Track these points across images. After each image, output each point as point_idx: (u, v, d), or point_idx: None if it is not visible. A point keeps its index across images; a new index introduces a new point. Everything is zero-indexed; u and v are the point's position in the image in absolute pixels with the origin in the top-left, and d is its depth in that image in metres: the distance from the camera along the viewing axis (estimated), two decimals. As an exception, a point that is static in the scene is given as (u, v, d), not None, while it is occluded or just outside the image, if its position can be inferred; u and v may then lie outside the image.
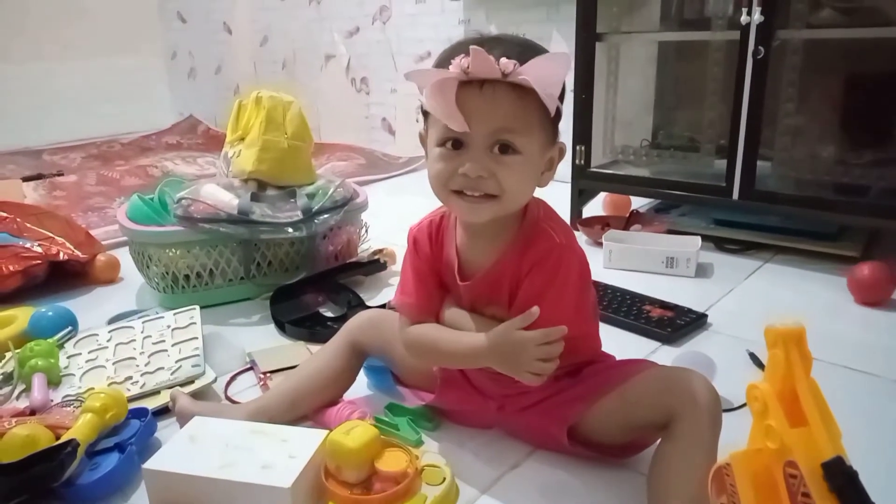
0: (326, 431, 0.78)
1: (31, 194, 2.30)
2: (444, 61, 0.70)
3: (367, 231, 1.57)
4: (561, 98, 0.72)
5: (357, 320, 0.97)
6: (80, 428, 0.82)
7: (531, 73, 0.65)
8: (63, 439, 0.80)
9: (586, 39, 1.67)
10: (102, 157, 3.05)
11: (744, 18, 1.40)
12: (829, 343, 1.09)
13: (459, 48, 0.69)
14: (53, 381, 1.03)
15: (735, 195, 1.51)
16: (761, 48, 1.40)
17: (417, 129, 0.80)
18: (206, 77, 3.72)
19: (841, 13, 1.49)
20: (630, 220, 1.71)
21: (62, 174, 2.63)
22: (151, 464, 0.76)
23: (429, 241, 0.84)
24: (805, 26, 1.50)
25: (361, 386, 1.00)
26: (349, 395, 0.96)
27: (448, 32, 2.53)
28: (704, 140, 1.77)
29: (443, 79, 0.67)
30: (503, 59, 0.66)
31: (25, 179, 2.48)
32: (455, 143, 0.72)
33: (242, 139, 1.45)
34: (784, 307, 1.29)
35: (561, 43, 2.16)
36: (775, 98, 1.56)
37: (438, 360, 0.86)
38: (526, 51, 0.69)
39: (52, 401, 0.97)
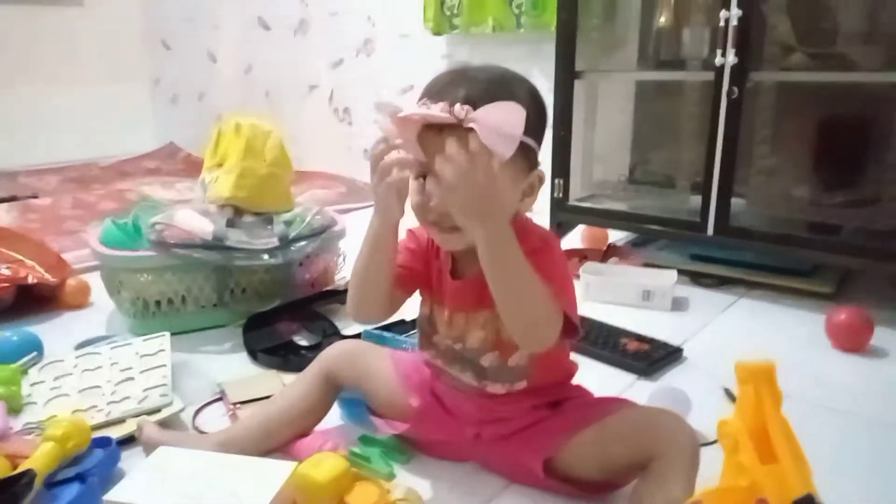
0: (296, 463, 0.76)
1: (3, 216, 2.26)
2: (420, 96, 0.74)
3: (344, 259, 1.56)
4: (539, 133, 0.74)
5: (332, 351, 0.96)
6: (39, 458, 0.79)
7: (482, 118, 0.66)
8: (20, 469, 0.77)
9: (565, 77, 1.71)
10: (79, 181, 3.01)
11: (718, 60, 1.44)
12: (802, 380, 1.10)
13: (433, 87, 0.74)
14: (15, 409, 0.99)
15: (710, 231, 1.53)
16: (735, 89, 1.43)
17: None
18: (189, 104, 3.71)
19: (811, 57, 1.54)
20: (607, 254, 1.73)
21: (37, 196, 2.59)
22: (113, 495, 0.73)
23: (427, 237, 0.85)
24: (778, 69, 1.55)
25: (335, 416, 0.98)
26: (322, 425, 0.94)
27: (432, 66, 2.55)
28: (680, 177, 1.80)
29: (404, 119, 0.69)
30: (457, 107, 0.67)
31: (-2, 201, 2.44)
32: (426, 177, 0.74)
33: (220, 165, 1.45)
34: (758, 342, 1.30)
35: (541, 80, 2.19)
36: (749, 137, 1.60)
37: (368, 262, 0.81)
38: (492, 88, 0.72)
39: (11, 429, 0.94)
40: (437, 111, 0.68)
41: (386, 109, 0.70)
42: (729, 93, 1.44)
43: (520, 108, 0.66)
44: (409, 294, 0.87)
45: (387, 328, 1.25)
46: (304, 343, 1.28)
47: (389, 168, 0.71)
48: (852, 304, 1.30)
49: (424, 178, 0.75)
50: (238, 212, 1.40)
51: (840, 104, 1.58)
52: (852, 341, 1.24)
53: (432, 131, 0.71)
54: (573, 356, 0.91)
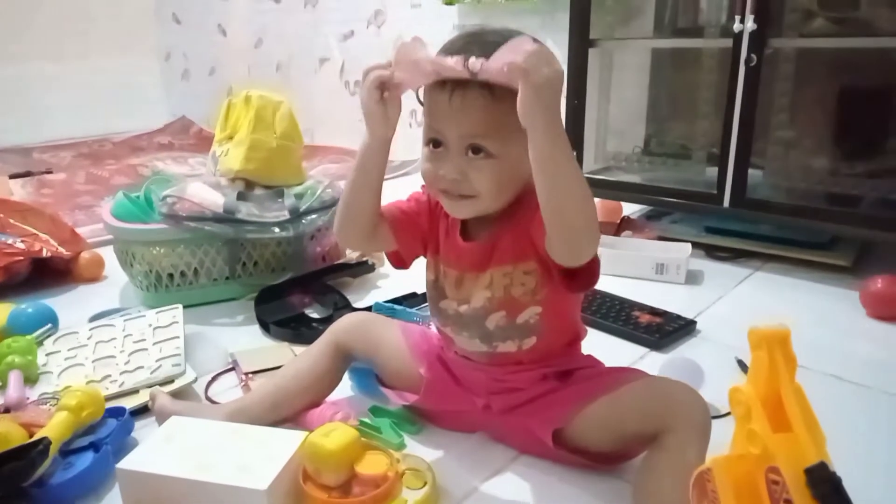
0: (306, 433, 0.76)
1: (18, 191, 2.28)
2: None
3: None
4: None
5: (343, 322, 0.96)
6: (54, 426, 0.80)
7: (496, 65, 0.63)
8: (36, 437, 0.78)
9: (580, 45, 1.67)
10: (93, 157, 3.03)
11: (736, 26, 1.40)
12: (817, 351, 1.08)
13: (448, 50, 0.73)
14: (31, 379, 1.01)
15: (726, 203, 1.51)
16: (754, 56, 1.39)
17: (410, 134, 0.80)
18: (200, 78, 3.70)
19: (833, 23, 1.49)
20: (621, 227, 1.71)
21: (51, 172, 2.61)
22: (125, 464, 0.74)
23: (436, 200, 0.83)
24: (798, 35, 1.50)
25: (345, 388, 0.99)
26: (333, 396, 0.95)
27: (443, 36, 2.52)
28: (696, 148, 1.77)
29: (416, 63, 0.68)
30: (471, 60, 0.65)
31: (13, 177, 2.46)
32: (435, 143, 0.74)
33: (231, 138, 1.44)
34: (773, 315, 1.28)
35: (555, 50, 2.15)
36: (768, 107, 1.56)
37: (353, 181, 0.79)
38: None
39: (27, 398, 0.95)
40: (448, 69, 0.67)
41: (414, 41, 0.70)
42: (747, 60, 1.40)
43: (526, 38, 0.63)
44: (400, 242, 0.84)
45: (398, 301, 1.25)
46: (315, 316, 1.29)
47: (371, 71, 0.70)
48: (881, 274, 1.28)
49: (435, 145, 0.74)
50: (249, 185, 1.40)
51: (862, 71, 1.53)
52: (891, 309, 1.24)
53: (443, 93, 0.70)
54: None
